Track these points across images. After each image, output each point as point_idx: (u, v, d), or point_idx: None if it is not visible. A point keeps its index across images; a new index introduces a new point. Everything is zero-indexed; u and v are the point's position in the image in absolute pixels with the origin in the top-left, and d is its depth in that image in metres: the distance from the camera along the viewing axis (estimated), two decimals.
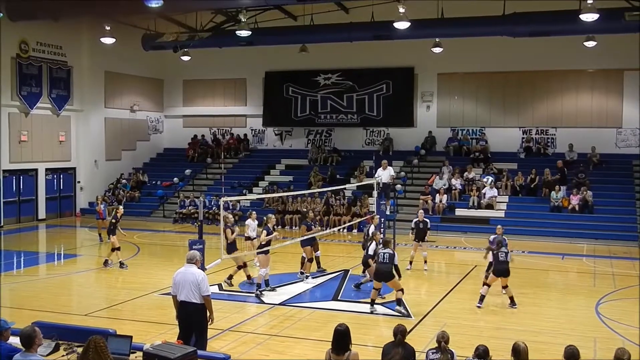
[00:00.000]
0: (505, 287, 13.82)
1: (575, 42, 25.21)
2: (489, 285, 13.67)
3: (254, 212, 17.75)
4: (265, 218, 15.20)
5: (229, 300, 14.10)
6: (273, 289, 14.83)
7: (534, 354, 7.40)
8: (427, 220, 18.23)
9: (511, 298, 13.59)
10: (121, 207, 20.04)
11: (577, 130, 27.84)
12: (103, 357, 6.72)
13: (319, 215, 24.05)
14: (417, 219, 18.18)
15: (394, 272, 12.97)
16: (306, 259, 16.26)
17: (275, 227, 15.06)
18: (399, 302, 13.11)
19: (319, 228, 16.96)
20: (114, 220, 18.59)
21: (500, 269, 13.59)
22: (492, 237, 15.09)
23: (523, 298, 14.26)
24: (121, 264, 17.79)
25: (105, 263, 17.96)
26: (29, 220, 27.73)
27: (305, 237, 16.40)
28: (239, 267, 15.47)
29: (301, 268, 16.41)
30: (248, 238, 16.95)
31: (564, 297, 15.06)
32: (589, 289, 15.89)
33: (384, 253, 13.03)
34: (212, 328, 10.02)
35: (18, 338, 7.63)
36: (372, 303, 13.25)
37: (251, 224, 17.04)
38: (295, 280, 16.18)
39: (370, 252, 14.60)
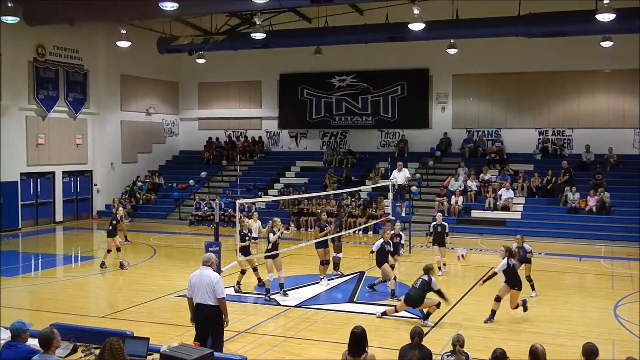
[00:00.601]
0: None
1: (591, 42, 25.02)
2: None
3: (255, 214, 17.93)
4: (270, 222, 14.80)
5: (245, 303, 14.13)
6: (285, 293, 14.63)
7: (552, 357, 7.35)
8: (445, 224, 18.03)
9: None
10: (121, 208, 20.32)
11: (594, 131, 27.63)
12: (119, 359, 6.78)
13: (340, 215, 23.69)
14: (435, 223, 18.04)
15: (439, 296, 12.47)
16: (319, 262, 16.23)
17: (281, 229, 14.74)
18: (427, 316, 12.47)
19: (330, 229, 16.67)
20: (114, 222, 18.59)
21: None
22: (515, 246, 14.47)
23: (540, 300, 14.18)
24: (102, 264, 18.28)
25: (102, 265, 18.28)
26: (47, 222, 27.94)
27: (318, 240, 16.32)
28: (242, 272, 15.35)
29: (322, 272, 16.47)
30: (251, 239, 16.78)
31: (581, 300, 14.95)
32: (607, 291, 15.76)
33: (419, 279, 12.39)
34: (228, 330, 10.06)
35: (36, 340, 7.71)
36: (384, 314, 12.85)
37: (253, 224, 17.17)
38: (311, 282, 16.17)
39: (374, 248, 15.01)
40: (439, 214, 19.12)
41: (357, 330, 7.46)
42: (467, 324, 12.22)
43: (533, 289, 14.78)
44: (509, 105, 29.59)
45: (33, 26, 24.75)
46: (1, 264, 18.12)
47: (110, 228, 18.37)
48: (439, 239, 17.70)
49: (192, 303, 9.36)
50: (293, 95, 32.81)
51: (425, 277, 12.37)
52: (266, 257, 14.50)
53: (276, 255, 14.53)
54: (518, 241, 14.90)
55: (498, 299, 12.61)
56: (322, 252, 16.29)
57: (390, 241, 15.33)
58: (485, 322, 12.42)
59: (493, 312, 12.57)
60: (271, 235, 14.38)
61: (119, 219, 18.98)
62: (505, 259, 12.61)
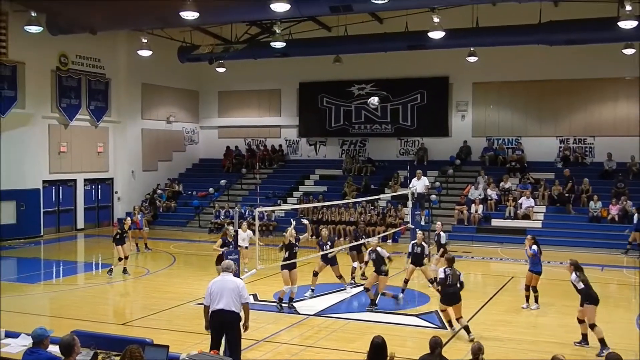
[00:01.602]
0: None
1: (613, 49, 24.80)
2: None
3: (244, 223, 18.06)
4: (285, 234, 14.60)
5: (264, 311, 14.12)
6: (292, 307, 14.28)
7: None
8: (425, 245, 16.28)
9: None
10: (129, 218, 20.30)
11: (616, 139, 27.31)
12: None
13: (360, 227, 22.97)
14: (414, 241, 16.31)
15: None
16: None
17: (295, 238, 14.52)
18: (450, 323, 12.35)
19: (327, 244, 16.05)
20: (120, 231, 18.61)
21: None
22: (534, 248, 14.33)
23: (562, 310, 14.03)
24: (109, 271, 18.33)
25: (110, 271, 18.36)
26: (68, 230, 28.21)
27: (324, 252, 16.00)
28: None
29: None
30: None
31: (603, 310, 14.63)
32: (629, 301, 15.58)
33: (451, 275, 12.16)
34: (246, 338, 10.07)
35: (57, 346, 7.77)
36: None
37: (241, 234, 17.29)
38: (329, 291, 16.12)
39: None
40: (419, 232, 17.01)
41: (378, 340, 7.45)
42: (487, 334, 12.10)
43: (536, 300, 14.45)
44: (530, 113, 29.40)
45: (56, 35, 25.04)
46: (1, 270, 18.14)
47: (118, 237, 18.42)
48: (417, 261, 15.89)
49: (208, 311, 9.36)
50: (312, 104, 32.87)
51: (457, 271, 12.30)
52: (282, 268, 14.22)
53: (293, 266, 14.23)
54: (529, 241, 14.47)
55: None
56: (322, 265, 15.99)
57: (376, 249, 14.52)
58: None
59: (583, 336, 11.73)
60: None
61: (125, 228, 18.94)
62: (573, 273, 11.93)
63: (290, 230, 14.50)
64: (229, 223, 18.40)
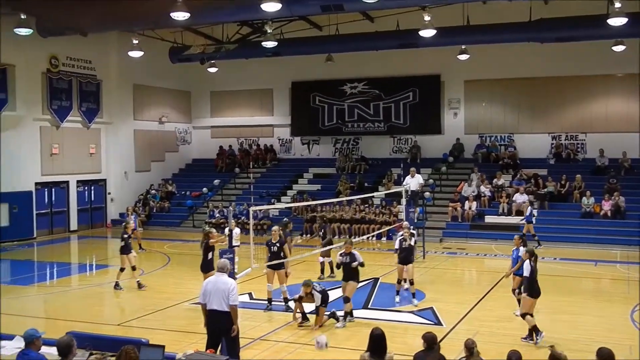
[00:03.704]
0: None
1: (603, 46, 24.91)
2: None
3: (233, 221, 17.45)
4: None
5: (259, 310, 14.11)
6: (288, 308, 13.91)
7: None
8: (414, 239, 15.86)
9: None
10: (132, 221, 18.95)
11: (608, 135, 27.48)
12: None
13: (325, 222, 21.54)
14: (401, 236, 15.32)
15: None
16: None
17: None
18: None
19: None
20: (125, 236, 16.79)
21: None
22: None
23: (556, 306, 14.09)
24: (116, 285, 16.69)
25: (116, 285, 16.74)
26: (61, 231, 28.11)
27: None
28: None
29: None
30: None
31: (597, 305, 14.83)
32: (623, 295, 15.62)
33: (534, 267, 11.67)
34: (243, 337, 10.08)
35: (51, 347, 7.76)
36: None
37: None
38: (326, 288, 16.09)
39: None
40: (406, 222, 16.42)
41: (378, 331, 7.53)
42: (483, 329, 12.15)
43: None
44: (522, 110, 29.51)
45: (46, 38, 24.94)
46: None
47: (124, 244, 16.70)
48: (407, 257, 14.93)
49: (206, 308, 9.37)
50: (305, 103, 32.88)
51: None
52: (268, 266, 14.10)
53: (275, 266, 14.01)
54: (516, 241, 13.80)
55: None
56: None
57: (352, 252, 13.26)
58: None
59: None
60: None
61: (130, 233, 17.10)
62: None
63: (275, 229, 14.46)
64: (209, 224, 17.68)
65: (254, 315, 13.46)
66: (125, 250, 16.72)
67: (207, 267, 14.14)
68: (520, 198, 25.29)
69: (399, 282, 15.11)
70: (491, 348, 10.32)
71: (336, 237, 25.67)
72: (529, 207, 23.19)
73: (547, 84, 28.57)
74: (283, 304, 14.13)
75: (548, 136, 29.01)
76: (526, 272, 11.64)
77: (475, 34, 24.37)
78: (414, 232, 16.17)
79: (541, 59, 27.25)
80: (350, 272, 13.07)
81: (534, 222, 23.08)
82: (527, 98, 29.19)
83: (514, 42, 25.18)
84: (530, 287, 11.59)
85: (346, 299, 13.01)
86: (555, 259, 20.79)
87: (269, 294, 14.19)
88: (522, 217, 23.53)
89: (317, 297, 12.61)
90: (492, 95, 29.81)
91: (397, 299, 14.86)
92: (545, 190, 25.96)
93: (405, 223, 16.95)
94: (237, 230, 17.76)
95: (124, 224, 17.90)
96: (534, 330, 11.43)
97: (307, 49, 27.68)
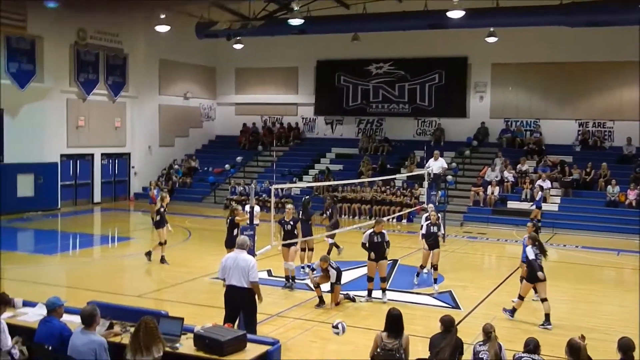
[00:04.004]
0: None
1: (634, 31, 24.36)
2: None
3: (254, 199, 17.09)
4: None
5: (278, 287, 14.20)
6: (292, 288, 14.09)
7: (588, 351, 7.22)
8: (439, 223, 15.31)
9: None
10: (165, 195, 18.13)
11: (636, 124, 26.96)
12: (153, 337, 6.90)
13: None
14: (428, 220, 14.91)
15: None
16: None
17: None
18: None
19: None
20: (162, 210, 16.64)
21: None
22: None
23: (577, 294, 14.00)
24: (147, 253, 16.72)
25: (149, 254, 16.76)
26: (85, 203, 28.45)
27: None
28: None
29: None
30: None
31: (619, 294, 14.70)
32: None
33: (538, 253, 11.79)
34: (260, 313, 10.14)
35: (73, 316, 7.89)
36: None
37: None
38: (343, 268, 16.14)
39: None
40: (431, 205, 16.20)
41: (395, 312, 7.56)
42: (501, 314, 12.09)
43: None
44: (549, 96, 29.12)
45: (73, 13, 25.08)
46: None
47: (159, 218, 16.54)
48: (435, 242, 14.59)
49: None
50: (330, 82, 32.75)
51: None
52: (283, 245, 14.21)
53: (289, 244, 14.13)
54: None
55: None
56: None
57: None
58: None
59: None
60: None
61: (165, 206, 16.77)
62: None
63: (290, 207, 14.70)
64: (235, 201, 17.78)
65: (272, 292, 13.54)
66: (160, 224, 16.60)
67: (231, 244, 14.08)
68: (543, 184, 25.03)
69: (422, 267, 14.97)
70: (509, 333, 10.30)
71: (357, 217, 25.83)
72: (540, 193, 22.89)
73: (576, 69, 28.11)
74: (285, 281, 14.24)
75: (575, 123, 28.60)
76: (531, 256, 11.73)
77: (504, 16, 24.04)
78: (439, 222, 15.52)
79: (571, 43, 26.79)
80: (384, 252, 13.07)
81: (542, 207, 22.71)
82: (555, 83, 28.78)
83: (543, 25, 24.78)
84: (529, 272, 11.78)
85: (383, 279, 13.21)
86: (577, 247, 20.62)
87: (286, 271, 14.27)
88: (532, 203, 23.23)
89: (333, 273, 12.67)
90: (519, 80, 29.43)
91: (416, 280, 14.84)
92: (571, 177, 25.66)
93: (431, 206, 16.82)
94: (257, 208, 17.84)
95: (159, 197, 17.65)
96: (512, 311, 11.88)
97: (334, 27, 27.51)
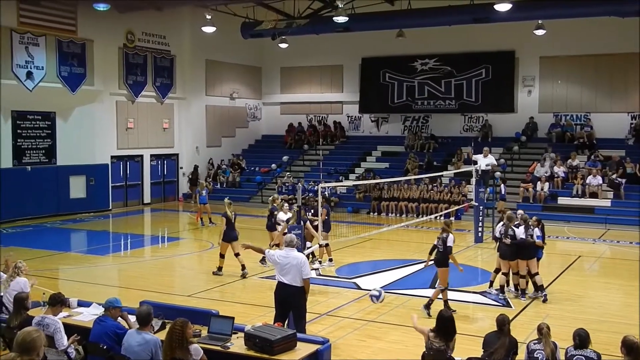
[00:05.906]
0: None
1: None
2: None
3: (285, 204, 17.06)
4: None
5: (326, 285, 14.22)
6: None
7: None
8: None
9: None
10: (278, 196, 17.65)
11: None
12: (183, 338, 6.92)
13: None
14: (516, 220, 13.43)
15: None
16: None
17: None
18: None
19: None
20: (275, 213, 16.33)
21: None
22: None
23: (629, 290, 13.66)
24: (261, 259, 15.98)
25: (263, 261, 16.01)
26: (135, 204, 28.95)
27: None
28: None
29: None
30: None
31: None
32: None
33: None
34: (310, 312, 10.17)
35: (130, 316, 8.04)
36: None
37: (283, 216, 16.30)
38: (392, 267, 16.10)
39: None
40: (521, 211, 14.65)
41: (447, 314, 7.49)
42: (553, 312, 11.89)
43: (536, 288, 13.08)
44: (599, 88, 28.45)
45: (123, 13, 25.51)
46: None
47: (274, 221, 16.44)
48: (516, 251, 12.99)
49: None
50: (375, 79, 32.63)
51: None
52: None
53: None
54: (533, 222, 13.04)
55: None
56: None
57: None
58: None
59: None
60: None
61: (278, 207, 16.57)
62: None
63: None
64: (284, 200, 17.92)
65: (321, 291, 13.56)
66: (273, 227, 16.46)
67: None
68: (594, 181, 24.51)
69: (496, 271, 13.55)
70: (562, 331, 10.09)
71: (403, 215, 25.67)
72: (546, 183, 23.19)
73: (628, 60, 27.33)
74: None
75: (627, 115, 27.87)
76: (537, 239, 12.80)
77: (552, 8, 23.53)
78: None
79: (621, 34, 26.05)
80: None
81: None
82: (606, 75, 28.10)
83: (593, 16, 24.19)
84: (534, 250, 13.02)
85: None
86: (631, 242, 20.11)
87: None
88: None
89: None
90: (568, 73, 28.84)
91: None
92: (619, 180, 24.73)
93: (520, 212, 14.52)
94: (325, 207, 17.76)
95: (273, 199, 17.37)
96: (540, 288, 12.89)
97: (378, 24, 27.34)
